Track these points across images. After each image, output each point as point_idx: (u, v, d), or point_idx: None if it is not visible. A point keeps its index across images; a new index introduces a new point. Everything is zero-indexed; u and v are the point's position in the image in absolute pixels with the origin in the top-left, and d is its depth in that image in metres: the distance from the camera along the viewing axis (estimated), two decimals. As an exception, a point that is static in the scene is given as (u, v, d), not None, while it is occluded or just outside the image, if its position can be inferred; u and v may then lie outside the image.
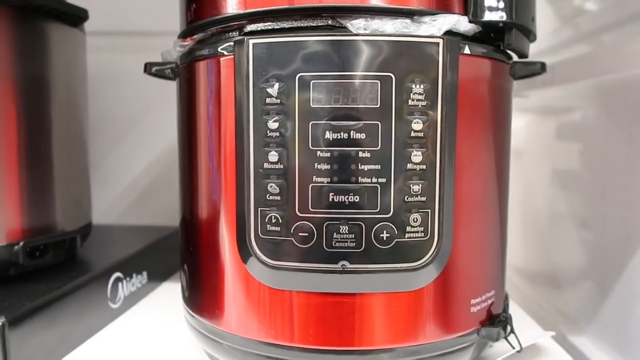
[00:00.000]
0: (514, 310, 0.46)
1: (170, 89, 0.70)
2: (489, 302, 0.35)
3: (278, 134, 0.29)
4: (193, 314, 0.36)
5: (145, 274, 0.52)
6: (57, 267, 0.44)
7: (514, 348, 0.36)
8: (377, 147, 0.29)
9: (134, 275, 0.50)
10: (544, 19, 0.57)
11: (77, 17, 0.43)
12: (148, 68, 0.40)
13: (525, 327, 0.45)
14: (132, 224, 0.69)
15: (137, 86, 0.71)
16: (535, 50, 0.54)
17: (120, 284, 0.47)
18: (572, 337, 0.47)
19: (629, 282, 0.40)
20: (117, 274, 0.46)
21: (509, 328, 0.35)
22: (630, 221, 0.40)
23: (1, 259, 0.39)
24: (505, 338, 0.35)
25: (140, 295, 0.51)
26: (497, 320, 0.35)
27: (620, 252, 0.41)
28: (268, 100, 0.29)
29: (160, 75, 0.40)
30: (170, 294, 0.54)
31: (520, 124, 0.62)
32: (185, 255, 0.38)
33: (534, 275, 0.59)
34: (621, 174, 0.42)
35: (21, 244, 0.39)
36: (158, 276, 0.56)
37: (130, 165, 0.73)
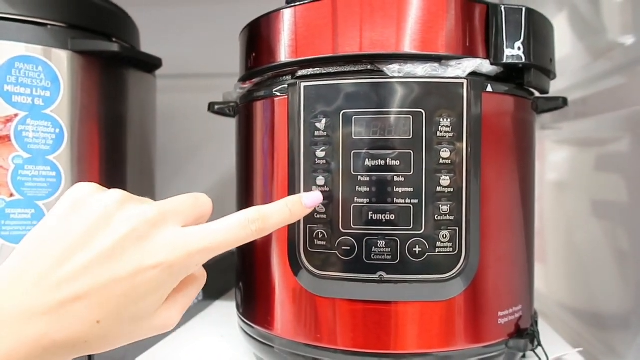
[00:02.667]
0: (554, 337, 0.47)
1: (220, 126, 0.78)
2: (517, 315, 0.38)
3: (324, 162, 0.34)
4: (248, 322, 0.41)
5: (200, 292, 0.57)
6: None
7: (539, 359, 0.38)
8: (410, 172, 0.33)
9: (192, 292, 0.55)
10: (575, 55, 0.61)
11: (153, 65, 0.50)
12: (212, 107, 0.47)
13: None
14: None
15: (192, 123, 0.79)
16: (567, 85, 0.58)
17: (181, 299, 0.52)
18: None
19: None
20: (179, 289, 0.52)
21: (536, 341, 0.38)
22: None
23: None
24: (533, 350, 0.38)
25: (196, 311, 0.56)
26: (525, 334, 0.38)
27: None
28: (316, 133, 0.34)
29: (221, 112, 0.47)
30: (223, 310, 0.58)
31: (559, 157, 0.64)
32: (241, 273, 0.44)
33: (580, 312, 0.58)
34: None
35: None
36: (212, 294, 0.61)
37: (190, 189, 0.80)
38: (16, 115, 0.40)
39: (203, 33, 0.80)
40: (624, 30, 0.51)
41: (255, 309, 0.40)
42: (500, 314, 0.36)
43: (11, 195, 0.40)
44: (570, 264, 0.61)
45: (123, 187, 0.49)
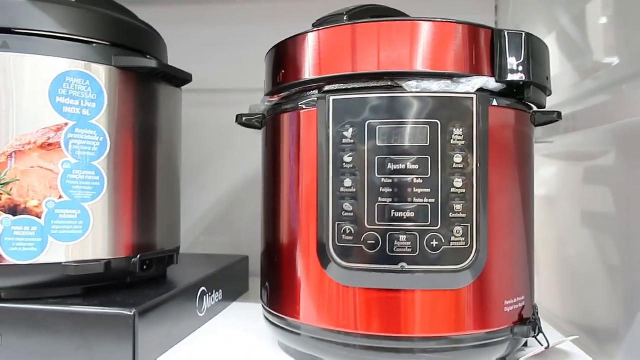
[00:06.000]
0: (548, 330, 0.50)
1: (233, 138, 0.83)
2: (520, 305, 0.42)
3: (351, 166, 0.39)
4: (275, 313, 0.45)
5: (220, 292, 0.61)
6: (154, 281, 0.54)
7: (542, 345, 0.43)
8: (428, 175, 0.38)
9: (214, 292, 0.59)
10: (565, 74, 0.66)
11: (184, 80, 0.54)
12: (239, 118, 0.51)
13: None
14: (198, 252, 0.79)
15: (203, 135, 0.83)
16: (558, 101, 0.63)
17: (205, 297, 0.56)
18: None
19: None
20: (203, 288, 0.56)
21: (538, 329, 0.42)
22: None
23: (122, 269, 0.48)
24: (535, 337, 0.43)
25: (217, 310, 0.60)
26: (527, 322, 0.42)
27: None
28: (344, 141, 0.39)
29: (248, 124, 0.51)
30: (241, 310, 0.62)
31: (549, 171, 0.69)
32: (268, 270, 0.48)
33: (571, 322, 0.60)
34: None
35: (138, 257, 0.49)
36: (230, 296, 0.65)
37: (199, 202, 0.84)
38: (66, 124, 0.44)
39: (216, 53, 0.85)
40: (608, 52, 0.56)
41: (283, 300, 0.44)
42: (506, 302, 0.41)
43: (60, 197, 0.44)
44: (561, 276, 0.64)
45: (154, 190, 0.53)
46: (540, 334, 0.43)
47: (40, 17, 0.44)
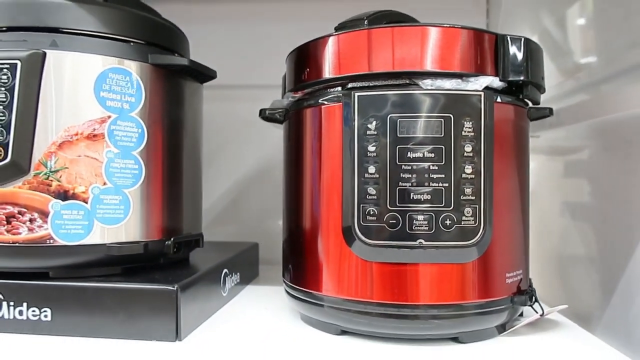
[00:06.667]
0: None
1: (238, 133, 0.87)
2: (519, 277, 0.48)
3: (375, 154, 0.44)
4: (298, 287, 0.50)
5: (238, 275, 0.66)
6: (181, 263, 0.58)
7: (536, 312, 0.49)
8: (442, 162, 0.43)
9: (233, 274, 0.63)
10: (549, 74, 0.72)
11: (209, 76, 0.58)
12: (262, 112, 0.56)
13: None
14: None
15: (214, 128, 0.87)
16: (543, 98, 0.69)
17: (227, 278, 0.60)
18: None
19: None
20: (225, 270, 0.60)
21: (534, 298, 0.48)
22: (630, 243, 0.49)
23: (157, 250, 0.52)
24: (531, 306, 0.48)
25: (236, 292, 0.65)
26: (525, 292, 0.48)
27: (628, 273, 0.50)
28: (368, 132, 0.44)
29: (271, 117, 0.55)
30: (257, 292, 0.67)
31: (533, 166, 0.73)
32: (291, 250, 0.52)
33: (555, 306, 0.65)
34: (621, 203, 0.52)
35: (172, 240, 0.53)
36: (244, 280, 0.69)
37: (207, 193, 0.88)
38: (109, 117, 0.48)
39: (224, 49, 0.89)
40: (588, 54, 0.62)
41: (307, 276, 0.49)
42: (507, 275, 0.46)
43: (104, 183, 0.48)
44: (544, 263, 0.69)
45: (181, 179, 0.57)
46: (536, 303, 0.49)
47: (85, 18, 0.48)
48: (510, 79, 0.46)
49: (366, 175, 0.44)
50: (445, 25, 0.45)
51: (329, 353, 0.44)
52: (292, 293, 0.52)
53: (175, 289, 0.46)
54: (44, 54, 0.46)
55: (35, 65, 0.46)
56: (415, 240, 0.43)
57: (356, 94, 0.45)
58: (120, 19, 0.50)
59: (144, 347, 0.45)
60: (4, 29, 0.47)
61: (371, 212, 0.44)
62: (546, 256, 0.69)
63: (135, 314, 0.46)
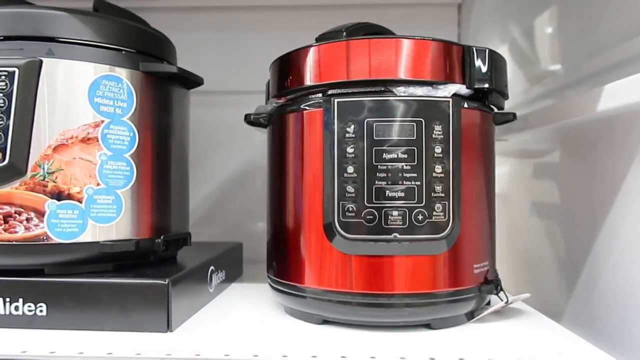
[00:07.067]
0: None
1: (221, 137, 0.90)
2: (485, 268, 0.52)
3: (353, 156, 0.48)
4: (282, 280, 0.53)
5: (224, 272, 0.69)
6: (169, 261, 0.61)
7: (502, 300, 0.53)
8: (415, 162, 0.47)
9: (219, 272, 0.66)
10: (517, 81, 0.77)
11: (196, 83, 0.62)
12: (247, 117, 0.59)
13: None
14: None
15: (201, 132, 0.90)
16: (512, 104, 0.74)
17: (213, 275, 0.63)
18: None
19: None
20: (212, 267, 0.63)
21: (499, 287, 0.53)
22: (593, 237, 0.53)
23: (148, 248, 0.55)
24: (497, 294, 0.53)
25: (222, 288, 0.67)
26: (491, 282, 0.52)
27: (590, 267, 0.55)
28: (347, 135, 0.48)
29: (254, 122, 0.59)
30: (242, 289, 0.69)
31: (502, 169, 0.76)
32: (275, 245, 0.56)
33: (524, 302, 0.65)
34: (584, 202, 0.56)
35: (161, 238, 0.56)
36: (229, 278, 0.72)
37: (196, 192, 0.91)
38: (102, 121, 0.51)
39: (210, 57, 0.92)
40: (552, 62, 0.67)
41: (290, 270, 0.52)
42: (475, 266, 0.51)
43: (98, 184, 0.51)
44: (514, 262, 0.73)
45: (169, 180, 0.60)
46: (502, 292, 0.53)
47: (80, 28, 0.51)
48: (476, 86, 0.50)
49: (345, 175, 0.48)
50: (417, 38, 0.49)
51: (311, 341, 0.47)
52: (276, 287, 0.55)
53: (166, 283, 0.49)
54: (41, 62, 0.49)
55: (32, 73, 0.48)
56: (391, 234, 0.47)
57: (336, 100, 0.48)
58: (112, 29, 0.53)
59: (138, 338, 0.47)
60: (2, 38, 0.49)
61: (350, 209, 0.48)
62: (518, 255, 0.74)
63: (129, 307, 0.49)
